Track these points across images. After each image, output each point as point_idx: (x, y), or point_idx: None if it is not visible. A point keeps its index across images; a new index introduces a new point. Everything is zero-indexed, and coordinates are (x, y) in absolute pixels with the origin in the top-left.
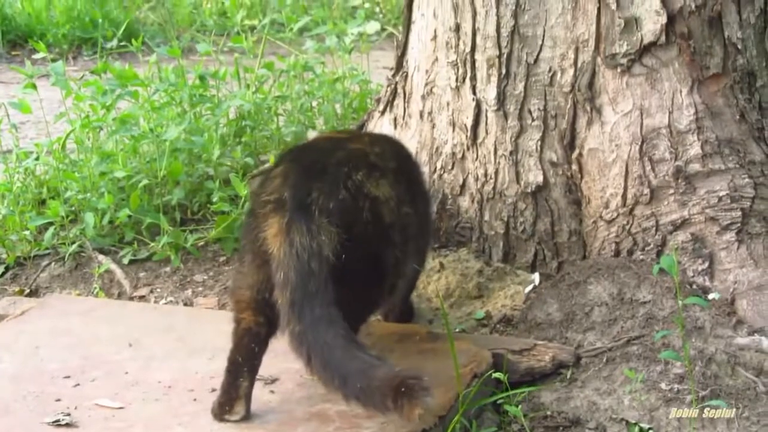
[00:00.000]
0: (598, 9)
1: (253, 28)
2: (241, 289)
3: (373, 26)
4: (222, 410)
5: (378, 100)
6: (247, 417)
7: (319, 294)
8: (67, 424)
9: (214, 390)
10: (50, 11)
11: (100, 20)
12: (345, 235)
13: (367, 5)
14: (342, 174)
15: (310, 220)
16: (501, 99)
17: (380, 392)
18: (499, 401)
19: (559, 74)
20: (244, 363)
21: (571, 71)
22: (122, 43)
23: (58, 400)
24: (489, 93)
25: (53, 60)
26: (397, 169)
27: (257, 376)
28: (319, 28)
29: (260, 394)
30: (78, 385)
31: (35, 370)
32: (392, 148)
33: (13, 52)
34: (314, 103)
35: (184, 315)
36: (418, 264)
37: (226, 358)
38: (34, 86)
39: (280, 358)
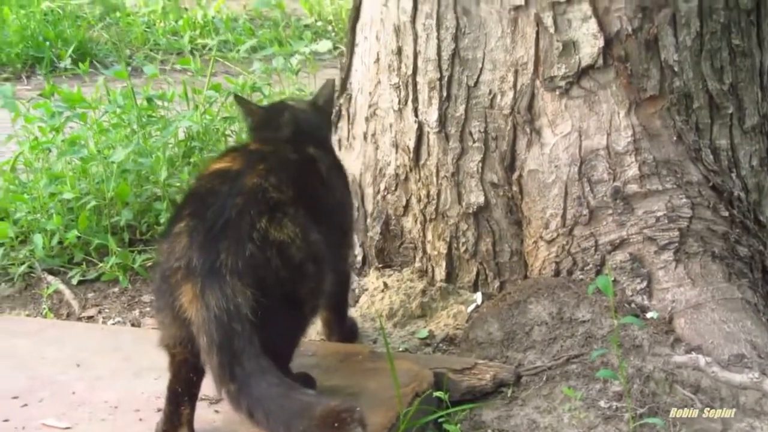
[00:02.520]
0: (537, 32)
1: (204, 47)
2: (168, 338)
3: (325, 45)
4: None
5: None
6: None
7: (246, 350)
8: None
9: (159, 410)
10: (3, 30)
11: (53, 40)
12: (258, 291)
13: (319, 24)
14: (245, 226)
15: (223, 284)
16: (442, 121)
17: (320, 429)
18: (440, 420)
19: (499, 97)
20: (183, 392)
21: (510, 94)
22: (72, 66)
23: (6, 420)
24: (431, 115)
25: (6, 80)
26: (296, 191)
27: (201, 395)
28: (267, 50)
29: (205, 414)
30: (26, 405)
31: None
32: (286, 157)
33: None
34: None
35: (131, 335)
36: (343, 263)
37: (166, 387)
38: None
39: None
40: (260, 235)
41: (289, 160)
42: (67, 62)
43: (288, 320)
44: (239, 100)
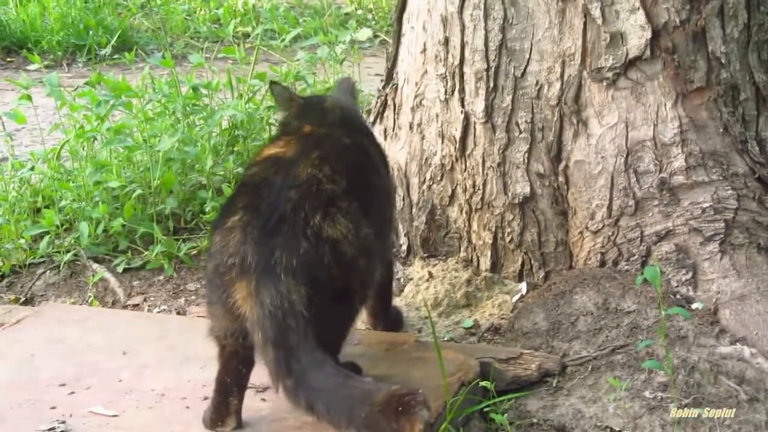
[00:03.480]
0: (584, 23)
1: (246, 36)
2: (219, 330)
3: (365, 33)
4: (214, 424)
5: (369, 111)
6: (239, 427)
7: (301, 344)
8: None
9: (206, 398)
10: (45, 18)
11: (94, 27)
12: (312, 288)
13: (359, 12)
14: (300, 222)
15: (278, 282)
16: (489, 111)
17: (384, 416)
18: (485, 409)
19: (546, 87)
20: (232, 383)
21: (557, 84)
22: (116, 55)
23: (54, 407)
24: (477, 105)
25: (47, 67)
26: (349, 181)
27: (249, 384)
28: (311, 39)
29: (252, 402)
30: (73, 393)
31: (30, 378)
32: (339, 146)
33: (8, 59)
34: None
35: (177, 324)
36: (389, 252)
37: (215, 378)
38: (29, 98)
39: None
40: (314, 232)
41: (343, 145)
42: (107, 50)
43: (339, 313)
44: (276, 88)
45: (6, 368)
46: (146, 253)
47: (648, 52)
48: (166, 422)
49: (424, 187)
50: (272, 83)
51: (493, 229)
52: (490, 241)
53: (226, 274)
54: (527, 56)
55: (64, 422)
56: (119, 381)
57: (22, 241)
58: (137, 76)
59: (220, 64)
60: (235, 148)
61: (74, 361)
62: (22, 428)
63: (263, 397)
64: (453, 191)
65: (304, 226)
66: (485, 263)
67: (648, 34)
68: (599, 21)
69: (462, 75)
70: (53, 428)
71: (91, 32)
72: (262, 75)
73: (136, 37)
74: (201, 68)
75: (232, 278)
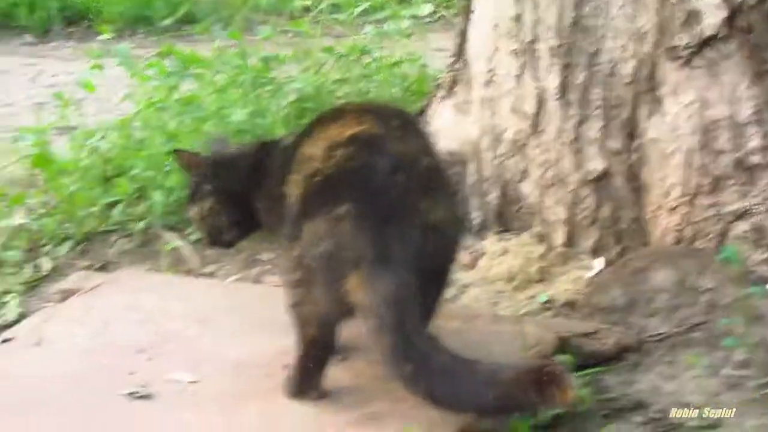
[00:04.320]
0: (659, 2)
1: (306, 9)
2: (311, 314)
3: (426, 8)
4: (296, 392)
5: (439, 86)
6: (322, 396)
7: (417, 330)
8: (143, 397)
9: (285, 366)
10: None
11: None
12: (424, 274)
13: None
14: (409, 209)
15: (393, 272)
16: (563, 88)
17: (519, 391)
18: None
19: (620, 65)
20: (315, 367)
21: (632, 62)
22: (178, 27)
23: (132, 373)
24: (551, 82)
25: (109, 38)
26: (430, 159)
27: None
28: (377, 13)
29: (333, 371)
30: (151, 359)
31: (108, 345)
32: (413, 130)
33: (70, 29)
34: (373, 87)
35: (253, 292)
36: None
37: (296, 355)
38: (100, 67)
39: (352, 335)
40: (422, 219)
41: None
42: (169, 21)
43: (439, 293)
44: (180, 155)
45: (83, 334)
46: None
47: (723, 32)
48: (246, 390)
49: (496, 162)
50: (175, 151)
51: (567, 205)
52: (564, 217)
53: (339, 264)
54: (601, 34)
55: (143, 387)
56: (197, 348)
57: (94, 208)
58: (198, 46)
59: (283, 37)
60: (303, 121)
61: (151, 328)
62: (101, 393)
63: (345, 366)
64: (526, 167)
65: (414, 214)
66: (559, 239)
67: (724, 13)
68: None
69: (534, 51)
70: (134, 393)
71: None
72: (329, 48)
73: (194, 8)
74: (265, 41)
75: (345, 268)
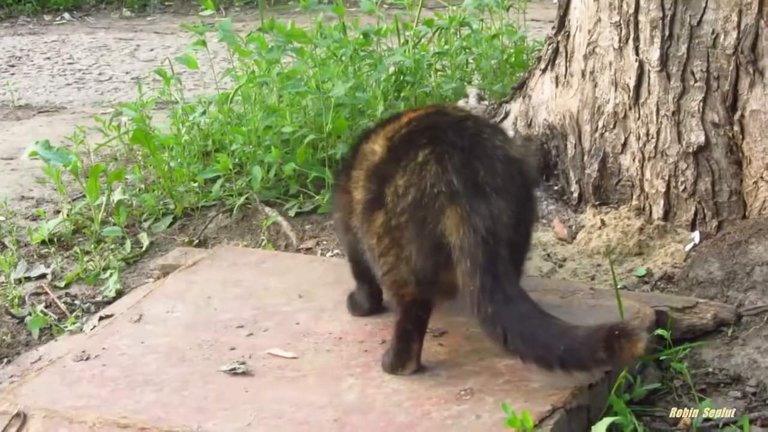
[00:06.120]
0: None
1: None
2: (401, 273)
3: None
4: (394, 368)
5: (539, 59)
6: (419, 370)
7: (507, 273)
8: (243, 373)
9: (383, 341)
10: None
11: None
12: (515, 210)
13: None
14: (489, 144)
15: (490, 203)
16: (664, 60)
17: (588, 347)
18: (661, 357)
19: (722, 36)
20: (413, 330)
21: (734, 34)
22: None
23: (233, 349)
24: (652, 54)
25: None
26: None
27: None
28: None
29: (429, 346)
30: (251, 334)
31: (208, 320)
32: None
33: (167, 2)
34: (471, 60)
35: None
36: None
37: (394, 325)
38: (204, 43)
39: (446, 311)
40: (503, 153)
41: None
42: None
43: (527, 242)
44: None
45: (184, 309)
46: (317, 197)
47: None
48: (345, 365)
49: (596, 134)
50: None
51: (667, 177)
52: (663, 190)
53: (431, 205)
54: (703, 5)
55: (244, 363)
56: (296, 324)
57: (194, 184)
58: (294, 19)
59: (379, 12)
60: (402, 94)
61: (251, 303)
62: (203, 368)
63: (440, 342)
64: (626, 139)
65: (493, 147)
66: (658, 212)
67: None
68: None
69: (637, 23)
70: (234, 369)
71: None
72: (429, 22)
73: None
74: (359, 12)
75: (441, 205)
